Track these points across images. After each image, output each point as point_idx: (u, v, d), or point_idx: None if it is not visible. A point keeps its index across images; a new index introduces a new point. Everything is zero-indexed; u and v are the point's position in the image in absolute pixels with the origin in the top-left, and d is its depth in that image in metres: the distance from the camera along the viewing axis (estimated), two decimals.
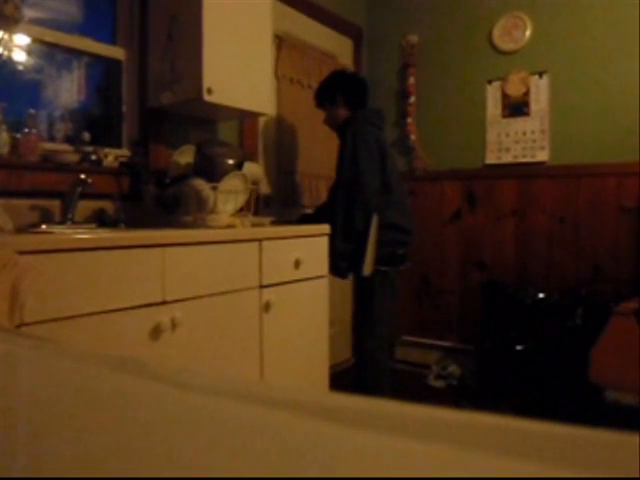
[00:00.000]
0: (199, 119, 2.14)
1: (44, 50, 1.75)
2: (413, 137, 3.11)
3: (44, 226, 1.49)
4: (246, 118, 2.32)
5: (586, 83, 2.64)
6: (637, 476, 0.18)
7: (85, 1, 1.92)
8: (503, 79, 2.86)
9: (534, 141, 2.78)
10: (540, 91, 2.76)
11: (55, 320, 1.08)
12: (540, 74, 2.76)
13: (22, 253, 1.01)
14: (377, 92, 3.19)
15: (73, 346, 1.10)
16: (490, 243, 2.93)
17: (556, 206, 2.73)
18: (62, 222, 1.58)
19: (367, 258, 2.03)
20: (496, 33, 2.87)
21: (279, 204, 2.61)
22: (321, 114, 2.34)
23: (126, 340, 1.23)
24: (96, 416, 0.26)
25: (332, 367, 2.15)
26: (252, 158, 1.97)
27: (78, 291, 1.12)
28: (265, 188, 2.53)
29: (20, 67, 1.69)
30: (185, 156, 1.86)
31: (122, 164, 1.84)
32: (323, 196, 2.60)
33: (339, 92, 2.23)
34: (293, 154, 2.70)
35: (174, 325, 1.33)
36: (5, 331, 0.79)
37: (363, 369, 2.14)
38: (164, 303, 1.32)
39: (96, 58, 1.91)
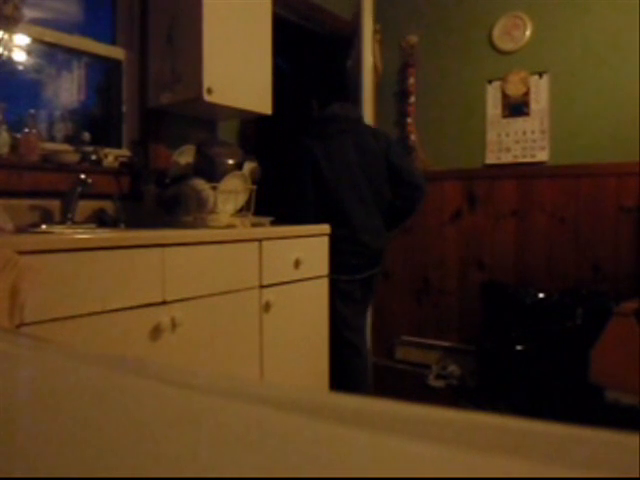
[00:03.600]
0: (199, 119, 2.14)
1: (44, 50, 1.75)
2: (413, 137, 3.11)
3: (44, 226, 1.49)
4: (246, 118, 2.32)
5: (586, 83, 2.63)
6: (637, 476, 0.18)
7: (85, 1, 1.92)
8: (503, 79, 2.86)
9: (534, 141, 2.78)
10: (540, 91, 2.76)
11: (55, 320, 1.08)
12: (540, 74, 2.76)
13: (22, 253, 1.01)
14: (377, 92, 3.19)
15: (73, 346, 1.10)
16: (490, 243, 2.93)
17: (556, 206, 2.73)
18: (62, 222, 1.58)
19: None
20: (496, 33, 2.87)
21: None
22: None
23: (126, 340, 1.23)
24: (96, 416, 0.26)
25: None
26: (252, 158, 1.97)
27: (78, 291, 1.12)
28: None
29: (20, 67, 1.69)
30: (185, 156, 1.86)
31: (122, 164, 1.84)
32: None
33: (313, 98, 2.11)
34: None
35: (174, 325, 1.33)
36: (5, 331, 0.79)
37: (338, 374, 2.07)
38: (164, 303, 1.32)
39: (96, 58, 1.91)
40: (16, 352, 0.43)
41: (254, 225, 1.81)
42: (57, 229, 1.45)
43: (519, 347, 2.43)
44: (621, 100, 2.54)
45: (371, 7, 2.38)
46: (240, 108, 1.95)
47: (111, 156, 1.84)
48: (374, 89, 2.46)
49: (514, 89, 2.83)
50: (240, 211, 1.88)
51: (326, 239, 1.96)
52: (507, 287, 2.66)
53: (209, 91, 1.77)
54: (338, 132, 2.05)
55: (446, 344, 3.04)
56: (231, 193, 1.79)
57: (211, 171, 1.73)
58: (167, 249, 1.33)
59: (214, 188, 1.69)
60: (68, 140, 1.77)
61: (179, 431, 0.24)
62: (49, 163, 1.61)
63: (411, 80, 3.10)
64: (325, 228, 1.96)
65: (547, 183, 2.75)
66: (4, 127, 1.50)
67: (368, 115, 2.37)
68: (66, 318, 1.10)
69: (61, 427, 0.25)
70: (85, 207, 1.69)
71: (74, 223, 1.59)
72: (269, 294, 1.67)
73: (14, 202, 1.51)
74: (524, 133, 2.81)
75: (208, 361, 1.46)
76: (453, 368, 2.87)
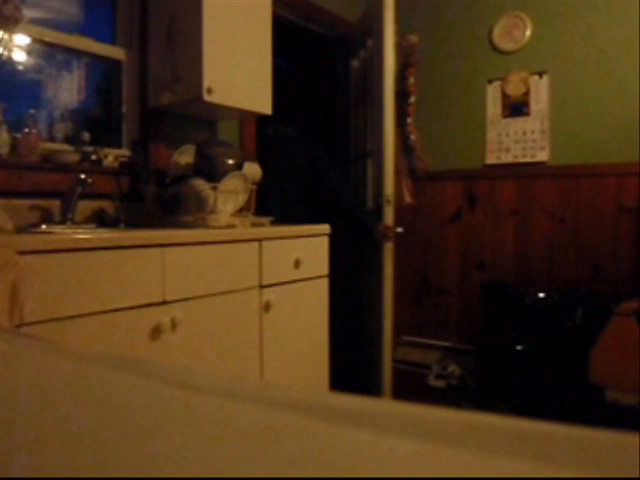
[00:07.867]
0: (199, 119, 2.14)
1: (44, 50, 1.75)
2: (413, 137, 3.10)
3: (44, 226, 1.49)
4: (246, 118, 2.32)
5: (586, 83, 2.63)
6: (637, 476, 0.18)
7: (85, 1, 1.92)
8: (503, 79, 2.86)
9: (534, 141, 2.78)
10: (540, 91, 2.76)
11: (55, 320, 1.08)
12: (540, 74, 2.76)
13: (22, 253, 1.01)
14: None
15: (73, 346, 1.10)
16: (490, 243, 2.92)
17: (556, 206, 2.73)
18: (62, 222, 1.57)
19: None
20: (496, 33, 2.87)
21: None
22: None
23: (126, 340, 1.23)
24: (96, 416, 0.26)
25: None
26: (252, 158, 1.97)
27: (78, 291, 1.12)
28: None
29: (20, 67, 1.69)
30: (185, 156, 1.86)
31: (122, 164, 1.84)
32: None
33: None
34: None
35: (174, 325, 1.33)
36: (5, 331, 0.79)
37: None
38: (164, 303, 1.32)
39: (96, 58, 1.91)
40: (16, 352, 0.43)
41: (254, 225, 1.81)
42: (57, 229, 1.45)
43: (519, 347, 2.43)
44: (621, 100, 2.54)
45: (392, 4, 2.40)
46: (240, 108, 1.95)
47: (111, 156, 1.84)
48: (394, 90, 2.53)
49: (514, 89, 2.83)
50: (240, 211, 1.88)
51: (326, 239, 1.96)
52: (507, 287, 2.66)
53: (209, 91, 1.77)
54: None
55: (446, 344, 3.04)
56: (231, 193, 1.79)
57: (211, 171, 1.73)
58: (167, 249, 1.33)
59: (214, 188, 1.69)
60: (68, 140, 1.77)
61: (179, 431, 0.24)
62: (49, 163, 1.61)
63: (411, 80, 3.10)
64: (325, 228, 1.96)
65: (547, 183, 2.75)
66: (4, 127, 1.50)
67: (389, 116, 2.43)
68: (66, 318, 1.10)
69: (61, 427, 0.25)
70: (85, 207, 1.69)
71: (74, 223, 1.59)
72: (269, 294, 1.67)
73: (14, 202, 1.51)
74: (524, 133, 2.81)
75: (208, 361, 1.46)
76: (453, 368, 2.87)
